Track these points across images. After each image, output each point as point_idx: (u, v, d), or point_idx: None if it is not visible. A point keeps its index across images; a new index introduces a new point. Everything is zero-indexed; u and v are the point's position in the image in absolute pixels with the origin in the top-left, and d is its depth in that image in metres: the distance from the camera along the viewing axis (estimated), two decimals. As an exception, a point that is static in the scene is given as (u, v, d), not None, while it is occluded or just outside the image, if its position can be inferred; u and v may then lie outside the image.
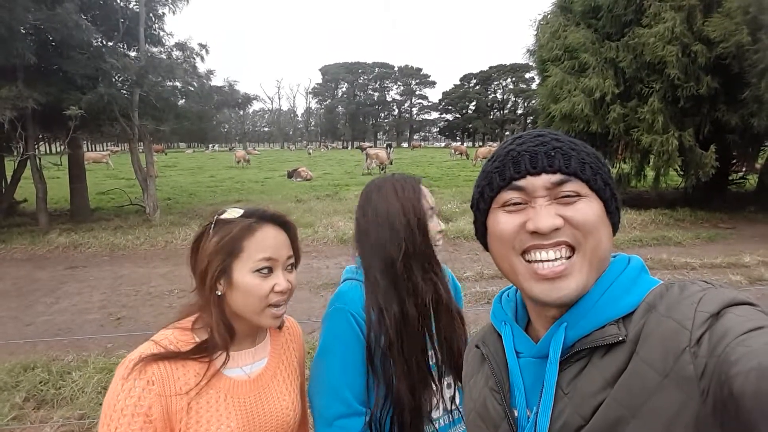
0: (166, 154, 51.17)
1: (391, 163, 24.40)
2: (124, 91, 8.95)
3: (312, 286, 5.96)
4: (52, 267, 6.98)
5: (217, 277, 1.00)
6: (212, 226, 1.02)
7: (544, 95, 11.39)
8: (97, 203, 13.02)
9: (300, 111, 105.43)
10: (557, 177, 0.65)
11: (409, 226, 1.18)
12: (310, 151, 49.76)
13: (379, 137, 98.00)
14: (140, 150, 10.17)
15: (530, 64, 16.50)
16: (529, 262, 0.65)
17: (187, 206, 12.50)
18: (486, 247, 0.75)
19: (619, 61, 9.57)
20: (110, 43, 9.55)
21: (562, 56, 10.89)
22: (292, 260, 1.08)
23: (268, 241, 1.02)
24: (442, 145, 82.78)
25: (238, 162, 29.57)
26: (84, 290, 5.95)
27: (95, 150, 68.96)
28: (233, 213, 1.04)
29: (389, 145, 56.54)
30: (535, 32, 12.94)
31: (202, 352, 0.99)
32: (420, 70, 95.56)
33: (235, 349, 1.05)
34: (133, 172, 10.03)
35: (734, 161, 11.40)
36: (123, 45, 9.88)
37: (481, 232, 0.75)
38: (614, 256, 0.70)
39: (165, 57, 10.63)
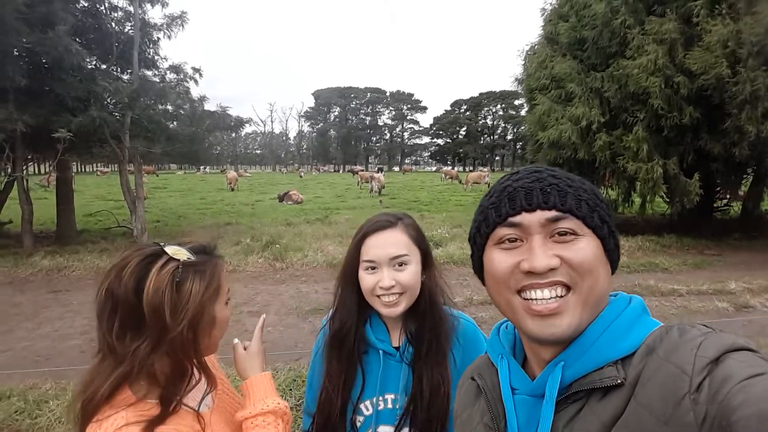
0: (157, 176, 51.01)
1: (383, 188, 24.83)
2: (116, 114, 8.96)
3: (300, 312, 5.89)
4: (34, 291, 6.83)
5: (200, 321, 0.94)
6: (179, 271, 0.92)
7: (533, 123, 11.61)
8: (84, 225, 12.87)
9: (292, 134, 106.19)
10: (552, 213, 0.64)
11: (342, 272, 1.26)
12: (302, 174, 49.84)
13: (370, 161, 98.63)
14: (130, 171, 10.14)
15: (519, 91, 16.94)
16: (525, 299, 0.65)
17: (175, 229, 12.39)
18: (483, 282, 0.75)
19: (605, 91, 9.81)
20: (104, 66, 9.61)
21: (549, 85, 11.15)
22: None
23: (224, 273, 1.04)
24: (433, 169, 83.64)
25: (230, 183, 29.42)
26: (66, 315, 5.82)
27: (84, 171, 68.50)
28: (182, 253, 0.95)
29: (380, 169, 57.10)
30: (523, 62, 13.30)
31: (171, 403, 0.93)
32: (411, 95, 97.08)
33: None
34: (122, 193, 9.96)
35: (718, 189, 11.62)
36: (117, 68, 9.95)
37: (478, 266, 0.75)
38: (615, 295, 0.70)
39: (158, 80, 10.73)
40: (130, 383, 0.91)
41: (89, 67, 8.70)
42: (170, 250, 0.95)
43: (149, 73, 10.69)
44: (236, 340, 1.23)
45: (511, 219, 0.66)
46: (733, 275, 7.33)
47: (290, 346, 4.76)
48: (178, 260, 0.94)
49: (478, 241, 0.73)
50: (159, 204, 20.07)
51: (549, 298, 0.63)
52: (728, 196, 12.16)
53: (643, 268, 7.95)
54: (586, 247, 0.64)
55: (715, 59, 8.18)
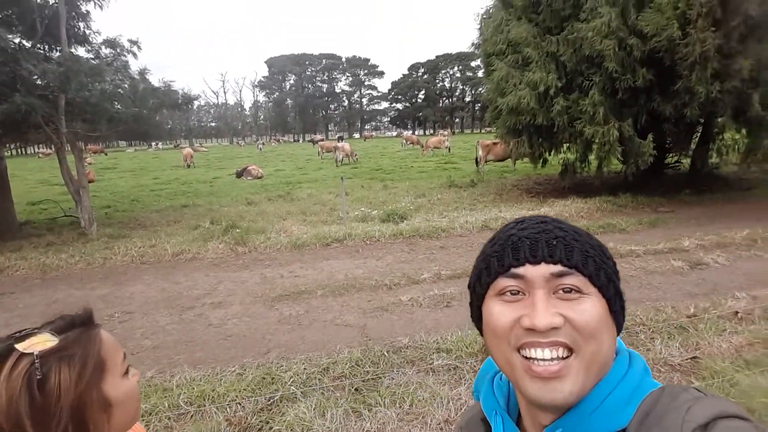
0: (106, 155, 48.47)
1: (354, 155, 24.98)
2: (49, 95, 8.21)
3: (266, 299, 5.72)
4: (-25, 296, 6.35)
5: (85, 414, 0.79)
6: (36, 366, 0.75)
7: (491, 89, 11.53)
8: (28, 215, 12.07)
9: (248, 105, 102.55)
10: (557, 268, 0.62)
11: None
12: (261, 146, 48.29)
13: (330, 129, 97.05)
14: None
15: (476, 53, 16.75)
16: (525, 358, 0.63)
17: (128, 215, 11.79)
18: (480, 332, 0.72)
19: (560, 55, 9.78)
20: (29, 45, 8.72)
21: (506, 50, 11.04)
22: None
23: (105, 342, 0.85)
24: (394, 134, 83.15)
25: (185, 160, 28.12)
26: (13, 321, 5.44)
27: (25, 153, 64.25)
28: (38, 342, 0.78)
29: (340, 138, 56.25)
30: (479, 26, 13.09)
31: None
32: (368, 60, 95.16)
33: None
34: (64, 183, 9.29)
35: (669, 147, 12.01)
36: (44, 47, 9.07)
37: (476, 315, 0.72)
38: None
39: (93, 56, 9.89)
40: None
41: (12, 47, 7.84)
42: (24, 344, 0.77)
43: (81, 49, 9.85)
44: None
45: (514, 270, 0.64)
46: (686, 232, 7.64)
47: (258, 340, 4.63)
48: (32, 353, 0.76)
49: (478, 290, 0.70)
50: (109, 187, 19.08)
51: (550, 359, 0.61)
52: (678, 153, 12.57)
53: (602, 229, 8.17)
54: (591, 309, 0.62)
55: (667, 20, 8.23)
